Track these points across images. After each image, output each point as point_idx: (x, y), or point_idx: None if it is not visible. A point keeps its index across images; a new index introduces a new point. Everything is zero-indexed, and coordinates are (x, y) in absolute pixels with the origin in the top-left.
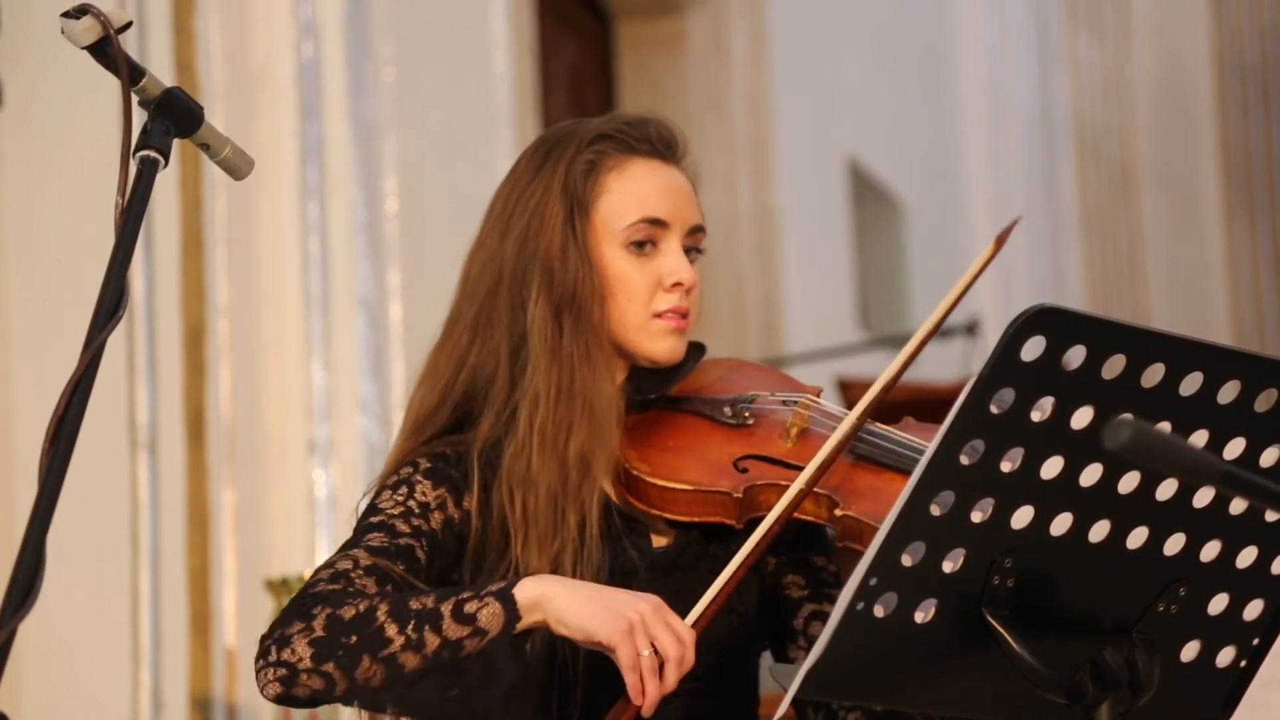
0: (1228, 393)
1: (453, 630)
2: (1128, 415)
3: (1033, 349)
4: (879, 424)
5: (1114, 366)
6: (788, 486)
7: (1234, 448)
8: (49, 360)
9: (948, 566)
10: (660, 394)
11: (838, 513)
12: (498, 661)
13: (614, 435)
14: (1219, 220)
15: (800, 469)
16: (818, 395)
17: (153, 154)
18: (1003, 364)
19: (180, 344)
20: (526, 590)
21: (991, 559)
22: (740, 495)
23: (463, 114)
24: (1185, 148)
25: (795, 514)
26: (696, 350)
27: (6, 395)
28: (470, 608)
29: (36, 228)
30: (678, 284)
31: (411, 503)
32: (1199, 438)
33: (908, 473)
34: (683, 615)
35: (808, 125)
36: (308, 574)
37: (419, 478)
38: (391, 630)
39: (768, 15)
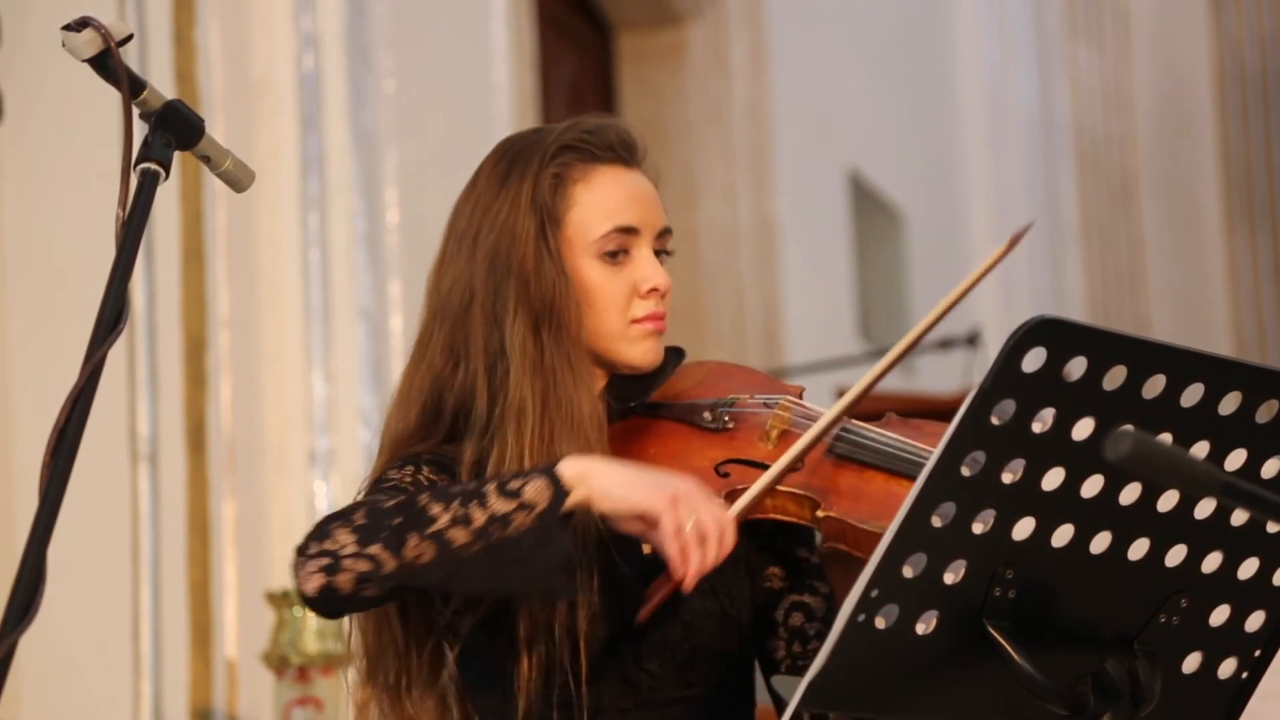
0: (1229, 404)
1: (499, 505)
2: (1129, 426)
3: (1034, 360)
4: (860, 422)
5: (1115, 377)
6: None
7: (1235, 459)
8: (50, 373)
9: (949, 578)
10: (640, 401)
11: (820, 514)
12: (551, 533)
13: (600, 445)
14: (1219, 230)
15: None
16: (799, 395)
17: (153, 167)
18: (1004, 375)
19: (181, 356)
20: (569, 466)
21: (993, 570)
22: (721, 500)
23: (463, 125)
24: (1185, 158)
25: (779, 516)
26: (675, 355)
27: (7, 408)
28: (514, 485)
29: (37, 241)
30: (653, 289)
31: (420, 478)
32: (1200, 449)
33: (889, 471)
34: None
35: (808, 136)
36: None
37: (422, 464)
38: (436, 509)
39: (768, 26)
